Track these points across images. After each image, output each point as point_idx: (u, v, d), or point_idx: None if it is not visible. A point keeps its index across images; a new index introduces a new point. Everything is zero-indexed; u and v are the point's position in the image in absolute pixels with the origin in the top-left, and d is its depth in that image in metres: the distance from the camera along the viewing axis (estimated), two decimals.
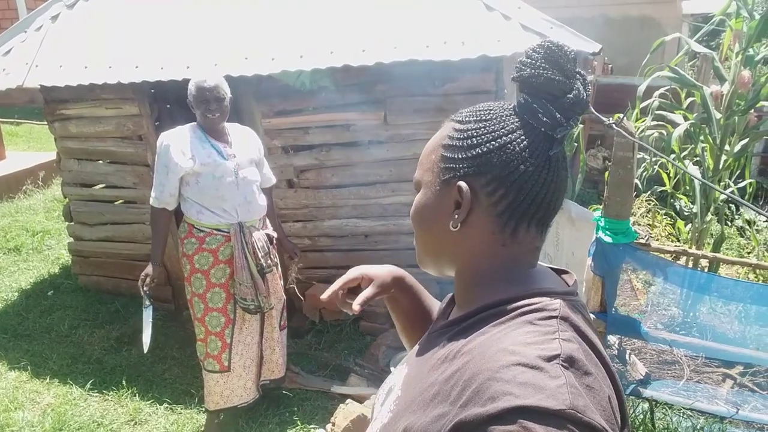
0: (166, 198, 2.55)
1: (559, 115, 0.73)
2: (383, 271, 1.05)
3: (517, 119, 0.75)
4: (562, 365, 0.62)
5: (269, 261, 2.70)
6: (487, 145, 0.73)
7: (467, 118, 0.77)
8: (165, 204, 2.57)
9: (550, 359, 0.63)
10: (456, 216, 0.75)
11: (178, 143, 2.50)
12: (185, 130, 2.56)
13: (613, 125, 2.03)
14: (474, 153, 0.74)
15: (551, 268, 0.84)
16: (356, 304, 0.98)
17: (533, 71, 0.73)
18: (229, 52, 3.16)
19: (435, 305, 1.12)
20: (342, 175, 3.50)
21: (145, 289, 2.61)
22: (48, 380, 3.18)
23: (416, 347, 0.91)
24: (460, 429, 0.62)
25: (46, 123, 3.92)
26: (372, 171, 3.46)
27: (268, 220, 2.81)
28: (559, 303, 0.73)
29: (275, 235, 2.82)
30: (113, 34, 3.44)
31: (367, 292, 1.00)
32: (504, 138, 0.74)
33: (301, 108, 3.40)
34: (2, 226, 5.03)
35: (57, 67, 3.37)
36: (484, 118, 0.75)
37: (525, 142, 0.73)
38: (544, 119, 0.73)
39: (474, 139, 0.74)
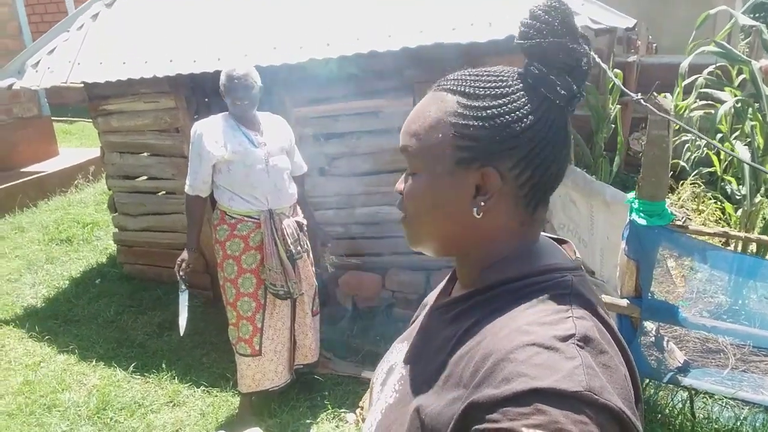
0: (199, 185, 2.62)
1: (575, 87, 0.70)
2: None
3: (534, 93, 0.69)
4: (577, 345, 0.60)
5: (299, 248, 2.74)
6: (516, 125, 0.68)
7: (478, 91, 0.69)
8: (198, 191, 2.65)
9: (565, 339, 0.61)
10: (482, 204, 0.70)
11: (210, 132, 2.57)
12: (218, 119, 2.62)
13: (642, 100, 1.95)
14: (503, 135, 0.68)
15: (551, 238, 0.80)
16: None
17: (550, 39, 0.68)
18: (258, 42, 3.20)
19: None
20: (373, 162, 3.50)
21: (180, 273, 2.70)
22: (94, 363, 3.33)
23: (416, 325, 0.90)
24: (472, 410, 0.61)
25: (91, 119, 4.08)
26: (401, 158, 3.42)
27: (299, 208, 2.84)
28: (570, 279, 0.70)
29: (305, 222, 2.85)
30: (148, 30, 3.55)
31: None
32: (531, 117, 0.69)
33: (330, 96, 3.41)
34: (55, 219, 5.28)
35: (97, 64, 3.50)
36: (501, 92, 0.69)
37: (550, 119, 0.69)
38: (562, 92, 0.69)
39: (499, 118, 0.68)
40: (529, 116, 0.68)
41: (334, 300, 3.78)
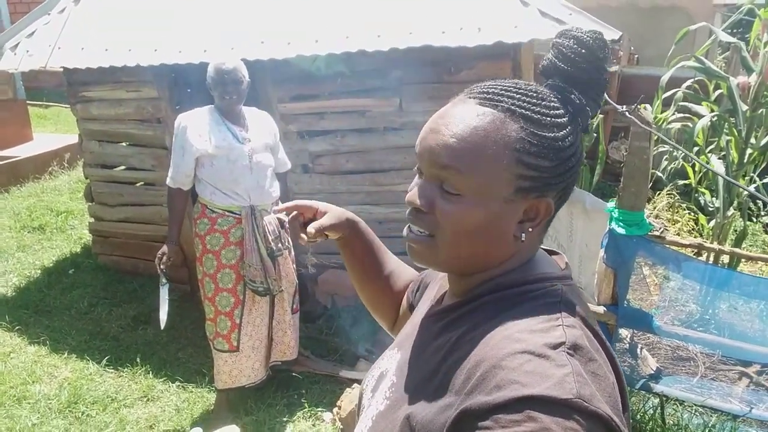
0: (181, 178, 2.60)
1: (595, 110, 0.73)
2: (338, 209, 1.05)
3: (574, 123, 0.71)
4: (567, 353, 0.62)
5: (280, 245, 2.72)
6: (572, 158, 0.70)
7: (543, 120, 0.68)
8: (180, 184, 2.62)
9: (555, 347, 0.62)
10: (530, 230, 0.72)
11: (194, 125, 2.55)
12: (203, 113, 2.60)
13: (627, 112, 1.99)
14: (563, 168, 0.70)
15: (543, 249, 0.82)
16: (312, 228, 0.98)
17: (583, 65, 0.70)
18: (246, 36, 3.17)
19: (389, 258, 1.13)
20: (356, 161, 3.50)
21: (161, 267, 2.66)
22: (66, 355, 3.26)
23: (407, 332, 0.90)
24: (464, 417, 0.62)
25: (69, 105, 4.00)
26: (386, 157, 3.44)
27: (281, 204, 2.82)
28: (561, 287, 0.72)
29: (286, 219, 2.82)
30: (133, 18, 3.48)
31: (322, 221, 1.01)
32: (579, 148, 0.72)
33: (316, 93, 3.40)
34: (28, 206, 5.16)
35: (79, 50, 3.43)
36: (561, 123, 0.69)
37: (580, 147, 0.73)
38: (589, 118, 0.72)
39: (562, 152, 0.69)
40: (578, 148, 0.71)
41: (313, 298, 3.76)
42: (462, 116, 0.69)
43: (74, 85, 3.79)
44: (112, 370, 3.15)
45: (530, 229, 0.72)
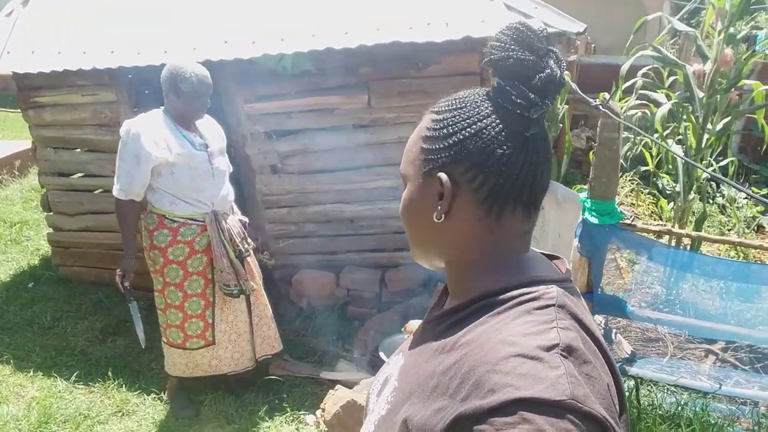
0: (136, 189, 2.46)
1: (533, 95, 0.72)
2: None
3: (491, 104, 0.74)
4: (561, 354, 0.62)
5: (246, 245, 2.70)
6: (463, 132, 0.73)
7: (443, 108, 0.76)
8: (134, 195, 2.47)
9: (549, 349, 0.62)
10: (439, 207, 0.75)
11: (149, 132, 2.40)
12: (155, 119, 2.46)
13: (600, 106, 2.02)
14: (450, 142, 0.73)
15: (543, 254, 0.82)
16: None
17: (503, 53, 0.72)
18: (208, 35, 3.09)
19: None
20: (326, 159, 3.46)
21: (125, 284, 2.57)
22: (32, 373, 3.13)
23: (412, 337, 0.90)
24: (460, 422, 0.62)
25: (20, 110, 3.81)
26: (356, 155, 3.42)
27: (235, 206, 2.79)
28: (556, 291, 0.72)
29: (246, 220, 2.82)
30: (87, 19, 3.34)
31: None
32: (478, 124, 0.73)
33: (283, 92, 3.34)
34: None
35: (29, 53, 3.27)
36: (458, 106, 0.75)
37: (500, 125, 0.72)
38: (518, 101, 0.72)
39: (449, 128, 0.74)
40: (479, 123, 0.73)
41: (287, 299, 3.72)
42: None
43: (25, 90, 3.61)
44: (83, 386, 3.04)
45: (439, 207, 0.75)
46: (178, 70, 2.39)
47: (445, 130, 0.74)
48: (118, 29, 3.23)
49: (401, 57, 3.09)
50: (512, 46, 0.72)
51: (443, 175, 0.74)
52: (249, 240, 2.74)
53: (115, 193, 2.48)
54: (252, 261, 2.77)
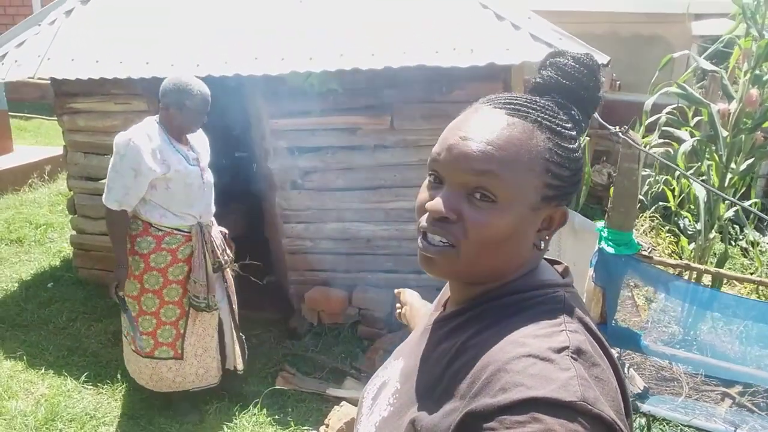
0: (131, 201, 2.46)
1: (584, 124, 0.77)
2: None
3: (576, 132, 0.76)
4: (571, 357, 0.63)
5: (226, 257, 2.75)
6: (582, 170, 0.75)
7: (565, 133, 0.72)
8: (127, 206, 2.47)
9: (559, 351, 0.63)
10: (547, 237, 0.75)
11: (148, 146, 2.39)
12: (150, 131, 2.45)
13: (619, 133, 2.04)
14: (577, 178, 0.74)
15: (545, 259, 0.83)
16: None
17: (590, 86, 0.75)
18: (239, 51, 3.18)
19: None
20: (346, 178, 3.50)
21: (120, 294, 2.58)
22: (43, 371, 3.16)
23: (411, 341, 0.90)
24: (469, 419, 0.62)
25: (55, 118, 3.95)
26: (376, 175, 3.46)
27: (213, 218, 2.81)
28: (563, 294, 0.73)
29: (227, 231, 2.87)
30: (125, 30, 3.47)
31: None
32: (582, 159, 0.76)
33: (308, 110, 3.41)
34: (6, 218, 5.04)
35: (69, 61, 3.40)
36: (575, 136, 0.74)
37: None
38: (582, 126, 0.76)
39: (579, 163, 0.74)
40: (582, 161, 0.76)
41: (299, 315, 3.73)
42: (494, 125, 0.71)
43: (62, 96, 3.75)
44: (91, 387, 3.07)
45: (547, 237, 0.75)
46: (186, 86, 2.40)
47: (576, 163, 0.73)
48: (154, 42, 3.35)
49: (426, 81, 3.15)
50: (594, 74, 0.75)
51: (565, 210, 0.75)
52: (228, 252, 2.79)
53: (107, 203, 2.44)
54: (229, 272, 2.83)
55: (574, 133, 0.73)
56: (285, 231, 3.67)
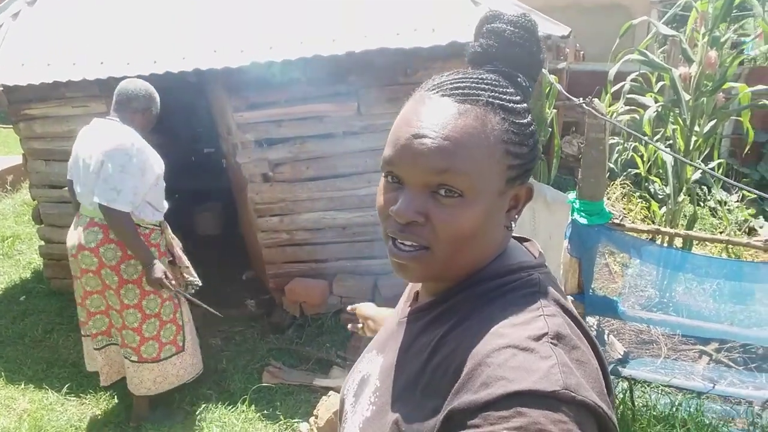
0: (138, 201, 2.44)
1: (530, 87, 0.74)
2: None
3: (525, 102, 0.73)
4: (551, 343, 0.62)
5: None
6: (535, 133, 0.71)
7: (516, 107, 0.69)
8: (134, 207, 2.45)
9: (538, 338, 0.62)
10: (516, 216, 0.73)
11: (146, 145, 2.44)
12: (135, 134, 2.45)
13: (584, 104, 2.04)
14: (536, 151, 0.71)
15: (514, 237, 0.81)
16: None
17: (534, 49, 0.72)
18: (197, 45, 3.11)
19: None
20: (317, 167, 3.47)
21: (172, 282, 2.53)
22: (23, 386, 3.09)
23: (386, 331, 0.88)
24: (453, 416, 0.61)
25: (11, 126, 3.82)
26: (347, 162, 3.43)
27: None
28: (537, 277, 0.72)
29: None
30: (76, 30, 3.36)
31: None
32: (532, 119, 0.73)
33: (273, 101, 3.35)
34: None
35: (19, 66, 3.27)
36: (526, 108, 0.71)
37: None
38: (529, 91, 0.73)
39: (535, 136, 0.71)
40: (532, 119, 0.72)
41: (281, 308, 3.71)
42: (446, 116, 0.66)
43: (15, 104, 3.62)
44: (74, 398, 3.01)
45: (516, 216, 0.73)
46: (153, 93, 2.51)
47: (532, 138, 0.70)
48: (107, 41, 3.24)
49: (390, 63, 3.12)
50: (535, 36, 0.71)
51: (529, 185, 0.72)
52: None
53: (120, 206, 2.37)
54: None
55: (525, 105, 0.70)
56: (260, 225, 3.63)
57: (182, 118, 4.96)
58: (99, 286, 2.54)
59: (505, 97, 0.68)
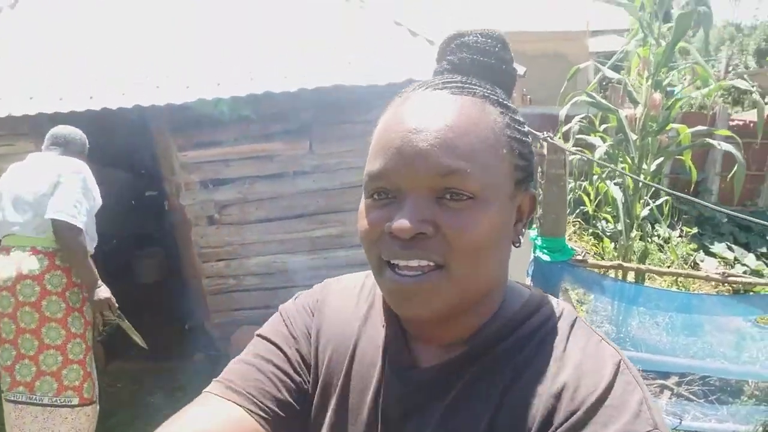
0: (88, 220, 2.36)
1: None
2: None
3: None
4: (628, 370, 0.57)
5: None
6: (531, 139, 0.65)
7: (509, 104, 0.61)
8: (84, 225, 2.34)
9: (616, 367, 0.57)
10: (523, 231, 0.63)
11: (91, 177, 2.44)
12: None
13: (548, 138, 2.01)
14: (534, 155, 0.65)
15: None
16: None
17: (508, 61, 0.65)
18: (138, 80, 2.94)
19: None
20: (267, 208, 3.31)
21: (112, 312, 2.41)
22: None
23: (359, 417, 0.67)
24: None
25: None
26: (299, 203, 3.29)
27: None
28: (557, 301, 0.65)
29: None
30: (3, 63, 3.13)
31: None
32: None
33: (220, 139, 3.20)
34: None
35: None
36: (511, 104, 0.64)
37: None
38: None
39: (530, 137, 0.64)
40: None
41: (227, 359, 3.44)
42: (444, 106, 0.57)
43: None
44: None
45: (523, 230, 0.63)
46: (85, 139, 2.52)
47: (526, 131, 0.62)
48: (39, 74, 3.03)
49: (344, 101, 3.04)
50: (507, 47, 0.65)
51: (534, 193, 0.63)
52: None
53: (79, 224, 2.29)
54: None
55: (515, 106, 0.64)
56: (204, 270, 3.40)
57: (122, 160, 4.71)
58: (34, 323, 2.28)
59: (498, 93, 0.61)
